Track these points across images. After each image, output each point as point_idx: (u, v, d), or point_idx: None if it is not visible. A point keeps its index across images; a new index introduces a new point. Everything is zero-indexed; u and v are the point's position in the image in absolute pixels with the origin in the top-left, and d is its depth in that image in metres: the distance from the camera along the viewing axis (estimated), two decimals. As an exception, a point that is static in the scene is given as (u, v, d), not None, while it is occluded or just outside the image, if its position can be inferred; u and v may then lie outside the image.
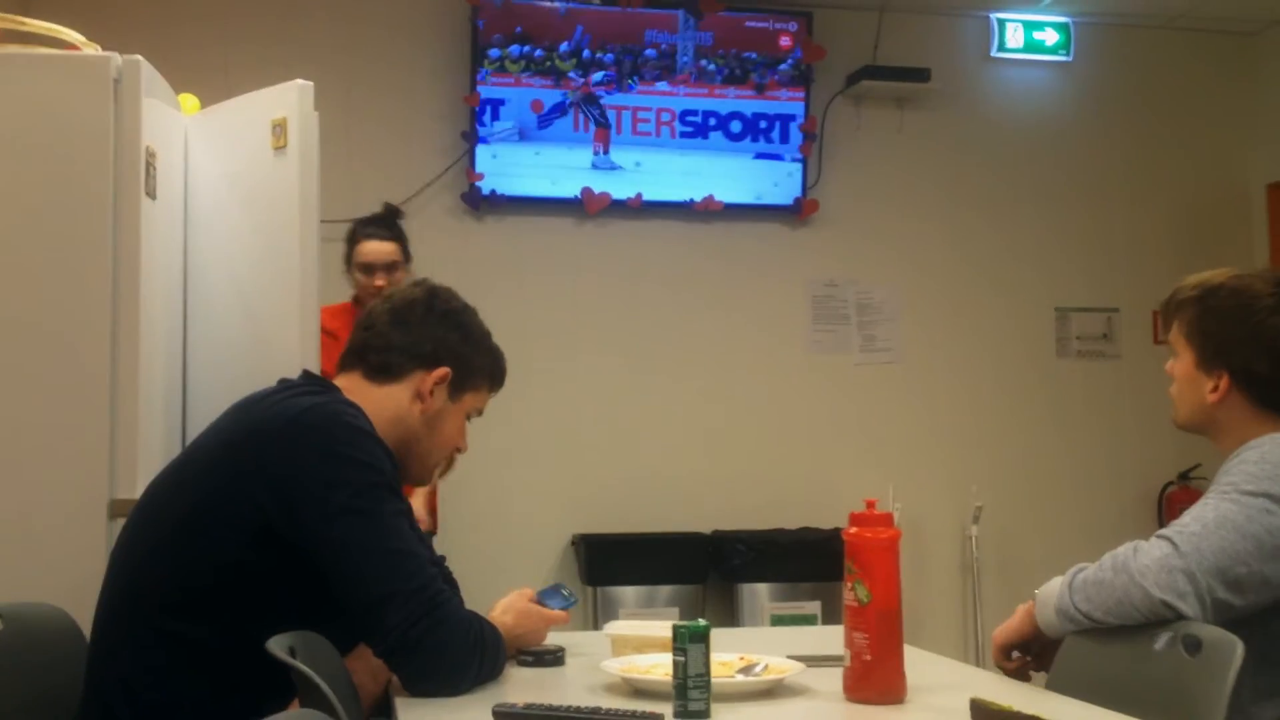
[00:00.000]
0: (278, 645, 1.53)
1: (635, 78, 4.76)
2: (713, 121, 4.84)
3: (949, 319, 5.05)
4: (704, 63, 4.81)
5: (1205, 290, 2.08)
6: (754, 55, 4.84)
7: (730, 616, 4.53)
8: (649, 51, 4.77)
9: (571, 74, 4.71)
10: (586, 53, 4.72)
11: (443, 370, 1.98)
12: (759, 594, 4.54)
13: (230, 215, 3.07)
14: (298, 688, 1.56)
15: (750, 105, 4.84)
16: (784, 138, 4.87)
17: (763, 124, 4.86)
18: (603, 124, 4.75)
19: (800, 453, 4.90)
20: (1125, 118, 5.21)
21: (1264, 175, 5.14)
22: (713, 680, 1.60)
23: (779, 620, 4.44)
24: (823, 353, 4.97)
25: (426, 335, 1.99)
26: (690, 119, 4.82)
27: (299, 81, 2.94)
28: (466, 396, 2.03)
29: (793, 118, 4.87)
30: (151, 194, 2.77)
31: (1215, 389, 2.03)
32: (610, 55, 4.74)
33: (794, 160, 4.88)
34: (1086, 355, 5.14)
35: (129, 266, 2.67)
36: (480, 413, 2.08)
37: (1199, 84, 5.27)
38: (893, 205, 5.04)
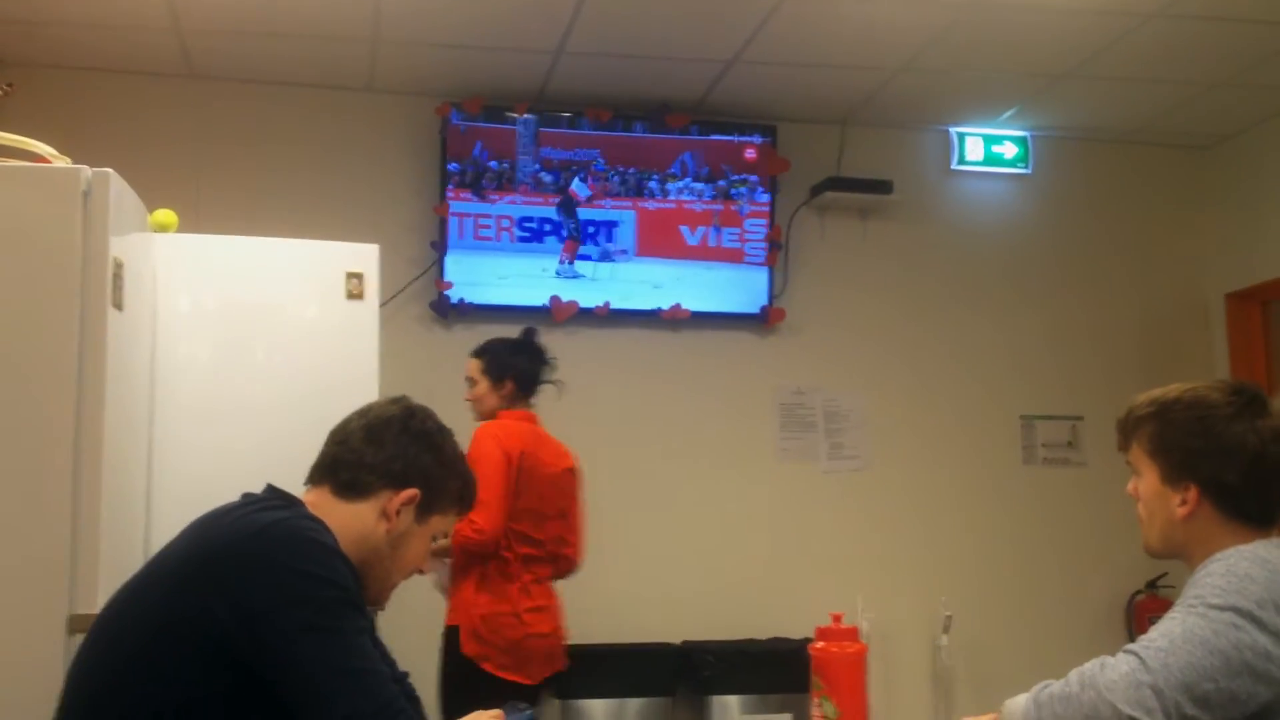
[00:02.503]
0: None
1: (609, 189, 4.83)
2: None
3: (916, 426, 5.08)
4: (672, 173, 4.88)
5: (1162, 405, 2.09)
6: (723, 168, 4.91)
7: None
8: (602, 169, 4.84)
9: (547, 180, 4.77)
10: (547, 175, 4.78)
11: (411, 491, 1.96)
12: (730, 706, 4.48)
13: (261, 343, 3.30)
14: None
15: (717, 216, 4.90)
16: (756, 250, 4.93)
17: (729, 234, 4.92)
18: (575, 236, 4.80)
19: (769, 561, 4.88)
20: (1084, 228, 5.31)
21: (1222, 285, 5.23)
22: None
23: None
24: (790, 460, 4.98)
25: (398, 454, 1.97)
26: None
27: (374, 246, 3.44)
28: (433, 519, 2.01)
29: (759, 227, 4.93)
30: (118, 305, 2.77)
31: (1184, 503, 2.02)
32: (564, 172, 4.81)
33: (760, 269, 4.94)
34: (1052, 463, 5.17)
35: (94, 377, 2.66)
36: (446, 535, 2.06)
37: (1156, 196, 5.39)
38: (859, 314, 5.09)
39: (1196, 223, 5.36)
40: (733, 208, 4.91)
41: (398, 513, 1.95)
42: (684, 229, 4.89)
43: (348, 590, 1.78)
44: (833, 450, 5.02)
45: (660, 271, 4.87)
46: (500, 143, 4.75)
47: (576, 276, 4.81)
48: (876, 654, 4.81)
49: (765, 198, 4.94)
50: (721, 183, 4.91)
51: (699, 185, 4.89)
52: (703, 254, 4.90)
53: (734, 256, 4.92)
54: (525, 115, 4.76)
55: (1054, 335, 5.21)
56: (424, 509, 1.98)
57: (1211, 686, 1.82)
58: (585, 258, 4.81)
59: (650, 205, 4.86)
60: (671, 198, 4.88)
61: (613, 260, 4.84)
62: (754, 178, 4.93)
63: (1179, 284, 5.33)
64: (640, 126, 4.86)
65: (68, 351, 2.64)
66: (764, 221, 4.93)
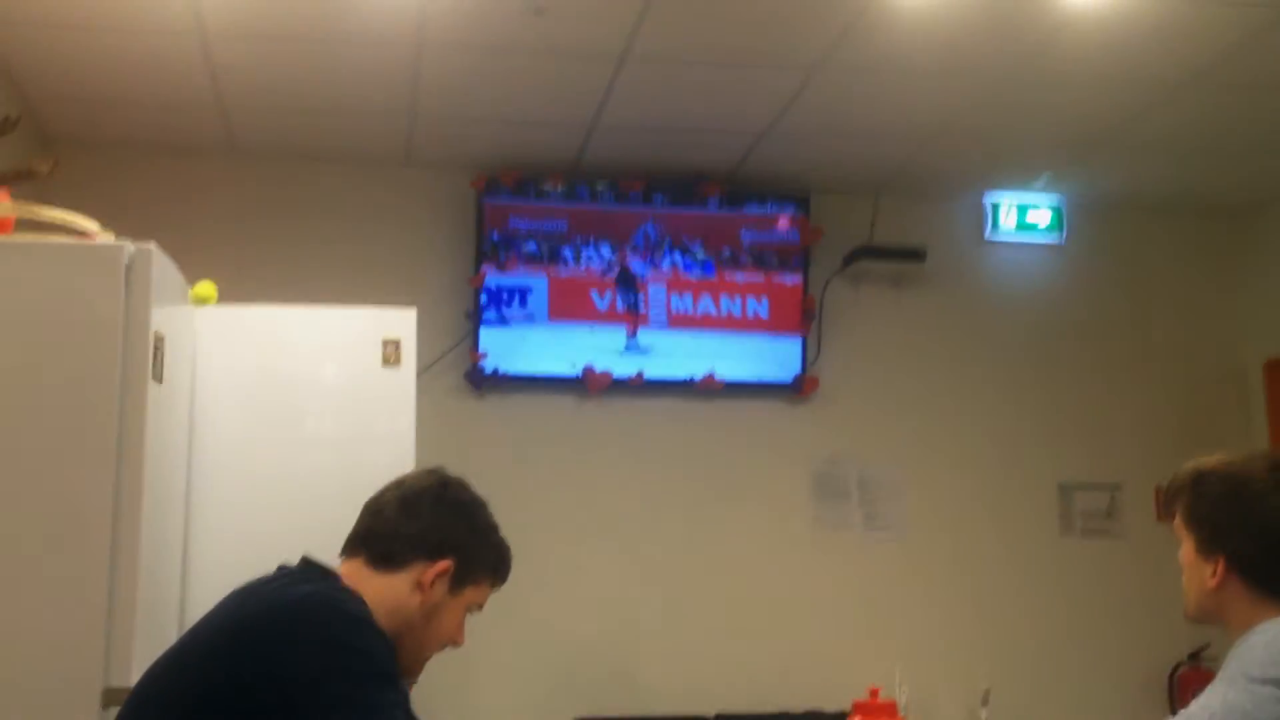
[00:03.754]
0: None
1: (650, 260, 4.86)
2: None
3: (951, 496, 5.04)
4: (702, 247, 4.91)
5: (1199, 476, 2.09)
6: (754, 239, 4.93)
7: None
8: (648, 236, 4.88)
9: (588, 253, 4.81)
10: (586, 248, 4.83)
11: (445, 563, 1.97)
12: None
13: (288, 409, 3.33)
14: None
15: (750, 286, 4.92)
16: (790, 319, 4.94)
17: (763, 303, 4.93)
18: (633, 308, 4.82)
19: (805, 632, 4.84)
20: (1119, 297, 5.29)
21: (1260, 353, 5.19)
22: None
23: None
24: (825, 530, 4.95)
25: (433, 526, 1.98)
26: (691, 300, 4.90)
27: (412, 310, 3.48)
28: (468, 590, 2.01)
29: (793, 296, 4.94)
30: (159, 379, 2.81)
31: (1214, 574, 2.03)
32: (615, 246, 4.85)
33: (794, 338, 4.94)
34: (1090, 533, 5.11)
35: (133, 451, 2.69)
36: (480, 607, 2.06)
37: (1191, 263, 5.37)
38: (892, 383, 5.08)
39: (1233, 290, 5.34)
40: (766, 278, 4.92)
41: (432, 584, 1.96)
42: (718, 299, 4.90)
43: (383, 663, 1.78)
44: (867, 520, 4.99)
45: (694, 340, 4.87)
46: (535, 215, 4.80)
47: (644, 350, 4.82)
48: (915, 726, 4.76)
49: (799, 269, 4.95)
50: (755, 253, 4.93)
51: (732, 255, 4.91)
52: (736, 324, 4.90)
53: (767, 326, 4.92)
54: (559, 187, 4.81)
55: (1090, 403, 5.18)
56: (458, 581, 1.99)
57: None
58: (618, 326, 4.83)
59: (684, 276, 4.88)
60: (702, 270, 4.90)
61: (653, 330, 4.86)
62: (790, 244, 4.95)
63: (1216, 351, 5.30)
64: (672, 198, 4.89)
65: (108, 425, 2.68)
66: (798, 291, 4.94)
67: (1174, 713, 1.99)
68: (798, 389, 4.95)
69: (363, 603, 1.85)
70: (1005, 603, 4.98)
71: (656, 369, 4.84)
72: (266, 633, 1.76)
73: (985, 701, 4.74)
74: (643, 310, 4.85)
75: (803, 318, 4.94)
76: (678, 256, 4.89)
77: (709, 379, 4.87)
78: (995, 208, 5.21)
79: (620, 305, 4.83)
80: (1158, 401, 5.21)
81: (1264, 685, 1.85)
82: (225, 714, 1.73)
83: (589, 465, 4.83)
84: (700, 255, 4.90)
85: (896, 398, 5.07)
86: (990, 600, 4.98)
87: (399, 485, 2.05)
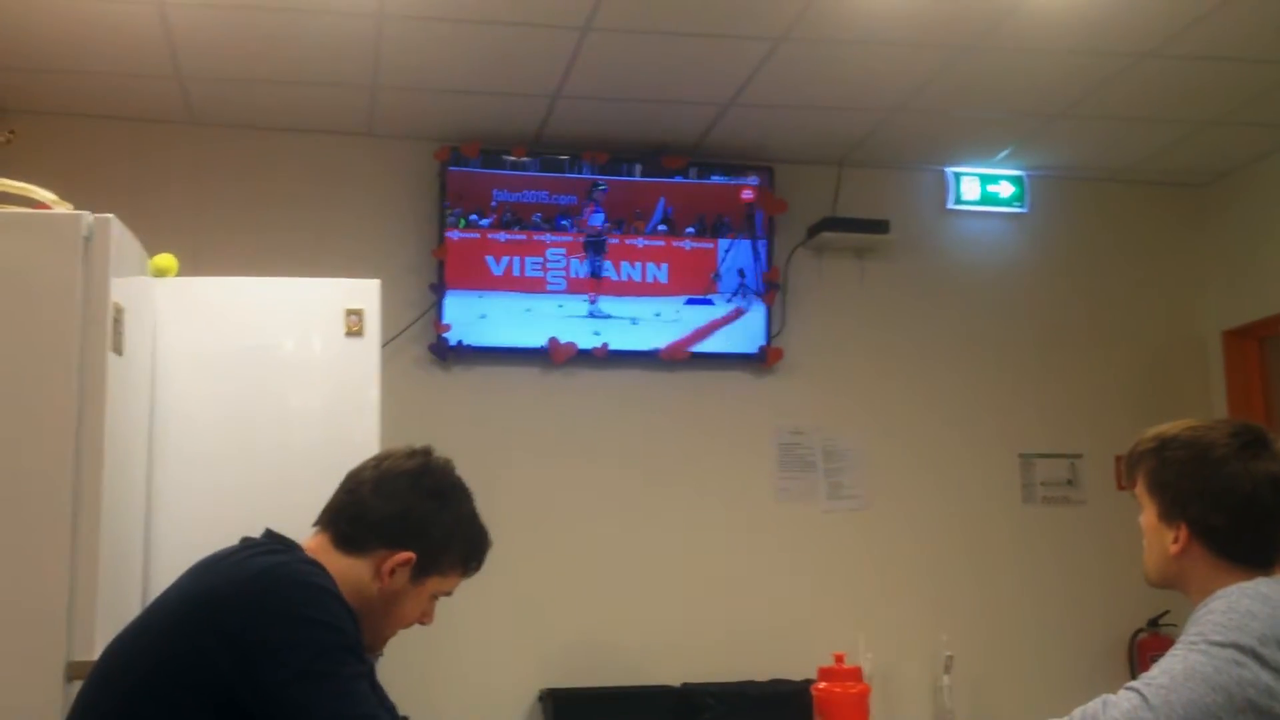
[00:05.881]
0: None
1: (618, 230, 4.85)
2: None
3: (915, 465, 5.07)
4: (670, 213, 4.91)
5: (1161, 443, 2.11)
6: (718, 211, 4.94)
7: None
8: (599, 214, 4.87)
9: (561, 225, 4.79)
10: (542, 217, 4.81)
11: (407, 555, 1.93)
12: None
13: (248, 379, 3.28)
14: None
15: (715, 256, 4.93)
16: (755, 290, 4.95)
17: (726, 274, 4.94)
18: (596, 276, 4.82)
19: (770, 602, 4.86)
20: (1081, 267, 5.33)
21: (1219, 322, 5.24)
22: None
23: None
24: (790, 500, 4.97)
25: (403, 512, 1.94)
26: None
27: (375, 281, 3.46)
28: (431, 580, 1.97)
29: (756, 268, 4.95)
30: (119, 350, 2.78)
31: (1176, 540, 2.04)
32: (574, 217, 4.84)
33: (759, 307, 4.95)
34: (1051, 501, 5.16)
35: (93, 423, 2.67)
36: (449, 593, 2.03)
37: (1152, 234, 5.41)
38: (856, 353, 5.10)
39: (1193, 260, 5.38)
40: (730, 246, 4.93)
41: (391, 573, 1.93)
42: (681, 269, 4.90)
43: (346, 634, 1.78)
44: (832, 490, 5.01)
45: (656, 311, 4.87)
46: (498, 186, 4.78)
47: (606, 318, 4.82)
48: (878, 694, 4.81)
49: (763, 238, 4.96)
50: (719, 224, 4.93)
51: (696, 227, 4.91)
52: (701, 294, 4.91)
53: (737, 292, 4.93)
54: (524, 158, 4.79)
55: (1051, 373, 5.22)
56: (421, 571, 1.95)
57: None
58: (582, 295, 4.82)
59: (647, 245, 4.88)
60: (666, 239, 4.90)
61: (620, 299, 4.85)
62: (754, 217, 4.95)
63: (1176, 321, 5.35)
64: (636, 169, 4.89)
65: (67, 397, 2.65)
66: (761, 262, 4.95)
67: (1134, 677, 2.01)
68: (762, 360, 4.96)
69: (326, 574, 1.85)
70: (967, 571, 5.03)
71: (620, 340, 4.83)
72: (230, 604, 1.76)
73: (948, 669, 4.80)
74: (606, 278, 4.84)
75: (767, 289, 4.95)
76: (641, 227, 4.88)
77: (674, 348, 4.87)
78: (958, 178, 5.23)
79: (584, 274, 4.82)
80: (1118, 371, 5.25)
81: (1224, 649, 1.87)
82: (188, 684, 1.72)
83: (554, 437, 4.83)
84: (663, 226, 4.90)
85: (860, 368, 5.09)
86: (953, 568, 5.02)
87: (379, 462, 2.01)
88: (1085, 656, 4.97)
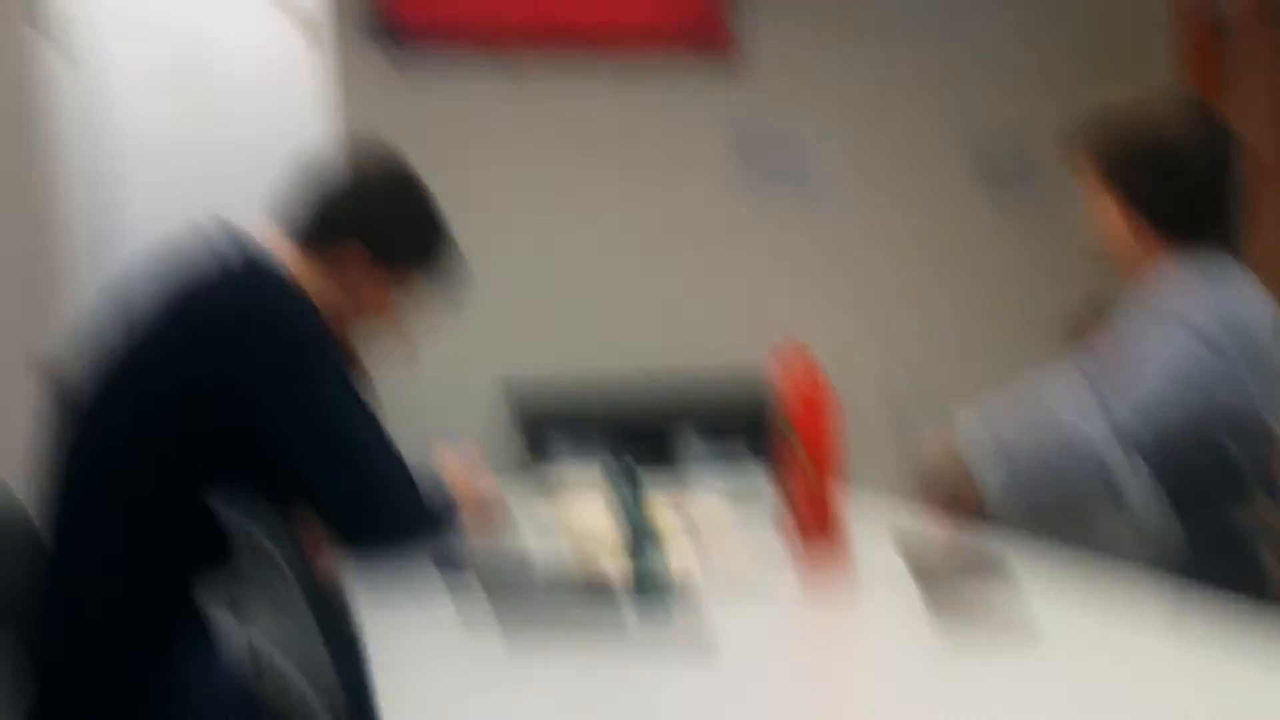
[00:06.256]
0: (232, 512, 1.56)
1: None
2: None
3: (869, 150, 5.08)
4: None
5: (1106, 121, 2.08)
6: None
7: (675, 460, 4.62)
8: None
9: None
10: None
11: (359, 247, 1.94)
12: (690, 437, 4.62)
13: None
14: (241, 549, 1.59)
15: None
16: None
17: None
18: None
19: (726, 293, 4.96)
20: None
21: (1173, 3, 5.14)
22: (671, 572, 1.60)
23: (711, 461, 4.52)
24: (748, 192, 4.99)
25: (361, 209, 1.95)
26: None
27: None
28: (393, 275, 1.99)
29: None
30: (69, 61, 2.71)
31: (1124, 218, 2.05)
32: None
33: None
34: (1002, 182, 5.19)
35: (45, 133, 2.61)
36: (419, 299, 2.04)
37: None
38: (819, 47, 5.02)
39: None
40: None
41: (355, 268, 1.93)
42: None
43: (335, 356, 1.79)
44: (789, 183, 5.03)
45: None
46: None
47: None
48: (836, 383, 4.96)
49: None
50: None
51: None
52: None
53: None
54: None
55: (1001, 49, 5.15)
56: (380, 264, 1.95)
57: (1161, 401, 1.84)
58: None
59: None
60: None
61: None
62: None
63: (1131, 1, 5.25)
64: None
65: (18, 106, 2.59)
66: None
67: (1077, 354, 2.06)
68: (722, 49, 4.86)
69: (304, 292, 1.84)
70: (921, 260, 5.13)
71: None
72: (221, 336, 1.75)
73: (902, 366, 4.95)
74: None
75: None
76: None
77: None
78: None
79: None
80: (1071, 48, 5.19)
81: (1170, 329, 1.90)
82: (182, 418, 1.73)
83: (513, 137, 4.78)
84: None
85: (822, 64, 5.02)
86: (907, 260, 5.12)
87: (339, 161, 1.99)
88: (1031, 331, 5.13)
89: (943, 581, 1.42)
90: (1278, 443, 1.94)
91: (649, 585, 1.52)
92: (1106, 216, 2.07)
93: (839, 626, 1.53)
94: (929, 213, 5.15)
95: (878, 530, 1.79)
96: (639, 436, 4.68)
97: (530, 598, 1.50)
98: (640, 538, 1.56)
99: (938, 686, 1.26)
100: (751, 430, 4.57)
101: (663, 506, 1.83)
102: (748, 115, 4.99)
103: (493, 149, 4.75)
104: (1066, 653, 1.35)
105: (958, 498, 1.96)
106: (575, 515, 1.98)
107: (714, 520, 1.86)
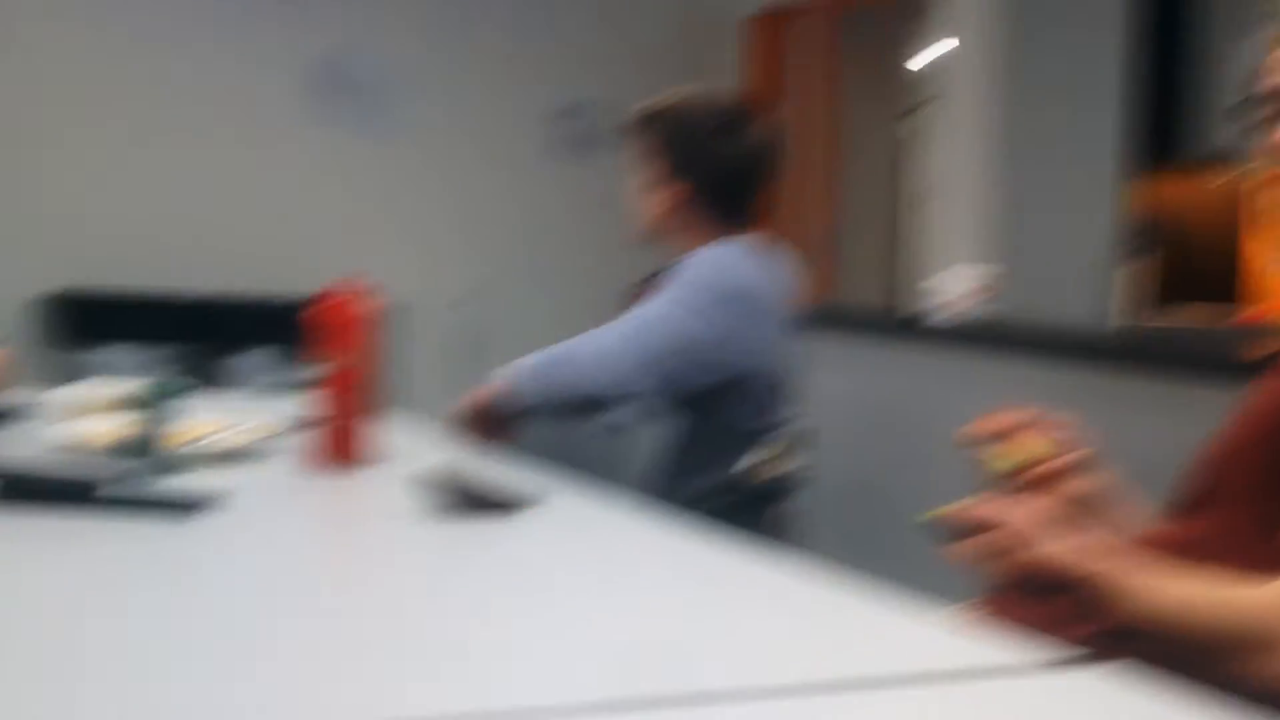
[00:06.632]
0: None
1: None
2: None
3: (453, 100, 5.11)
4: None
5: (663, 109, 2.27)
6: None
7: (223, 381, 4.50)
8: None
9: None
10: None
11: None
12: (254, 360, 4.52)
13: None
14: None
15: None
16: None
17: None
18: None
19: (294, 223, 4.87)
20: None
21: (744, 9, 5.41)
22: (175, 446, 1.64)
23: (275, 387, 4.43)
24: (322, 124, 4.89)
25: None
26: None
27: None
28: None
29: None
30: None
31: (674, 200, 2.24)
32: None
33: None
34: (572, 153, 5.34)
35: None
36: None
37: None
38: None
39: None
40: None
41: None
42: None
43: None
44: (364, 117, 4.96)
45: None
46: None
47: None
48: (396, 320, 4.98)
49: None
50: None
51: None
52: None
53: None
54: None
55: (586, 28, 5.31)
56: None
57: (676, 364, 2.07)
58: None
59: None
60: None
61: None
62: None
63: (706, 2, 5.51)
64: None
65: None
66: None
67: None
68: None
69: None
70: (494, 208, 5.21)
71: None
72: None
73: (460, 304, 5.02)
74: None
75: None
76: None
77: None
78: None
79: None
80: (650, 37, 5.40)
81: (690, 300, 2.10)
82: None
83: (78, 45, 4.47)
84: None
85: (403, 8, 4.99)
86: (477, 206, 5.20)
87: None
88: (591, 298, 5.33)
89: (458, 490, 1.48)
90: (783, 395, 2.17)
91: (139, 451, 1.60)
92: (659, 201, 2.24)
93: (337, 504, 1.67)
94: (508, 171, 5.24)
95: (415, 454, 1.82)
96: (194, 355, 4.52)
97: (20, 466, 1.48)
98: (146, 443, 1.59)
99: (420, 557, 1.36)
100: (304, 356, 4.50)
101: (201, 425, 1.79)
102: (327, 44, 4.87)
103: (53, 53, 4.42)
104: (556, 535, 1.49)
105: (495, 422, 2.13)
106: (88, 425, 1.89)
107: (250, 434, 1.84)
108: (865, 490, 2.25)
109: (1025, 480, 1.42)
